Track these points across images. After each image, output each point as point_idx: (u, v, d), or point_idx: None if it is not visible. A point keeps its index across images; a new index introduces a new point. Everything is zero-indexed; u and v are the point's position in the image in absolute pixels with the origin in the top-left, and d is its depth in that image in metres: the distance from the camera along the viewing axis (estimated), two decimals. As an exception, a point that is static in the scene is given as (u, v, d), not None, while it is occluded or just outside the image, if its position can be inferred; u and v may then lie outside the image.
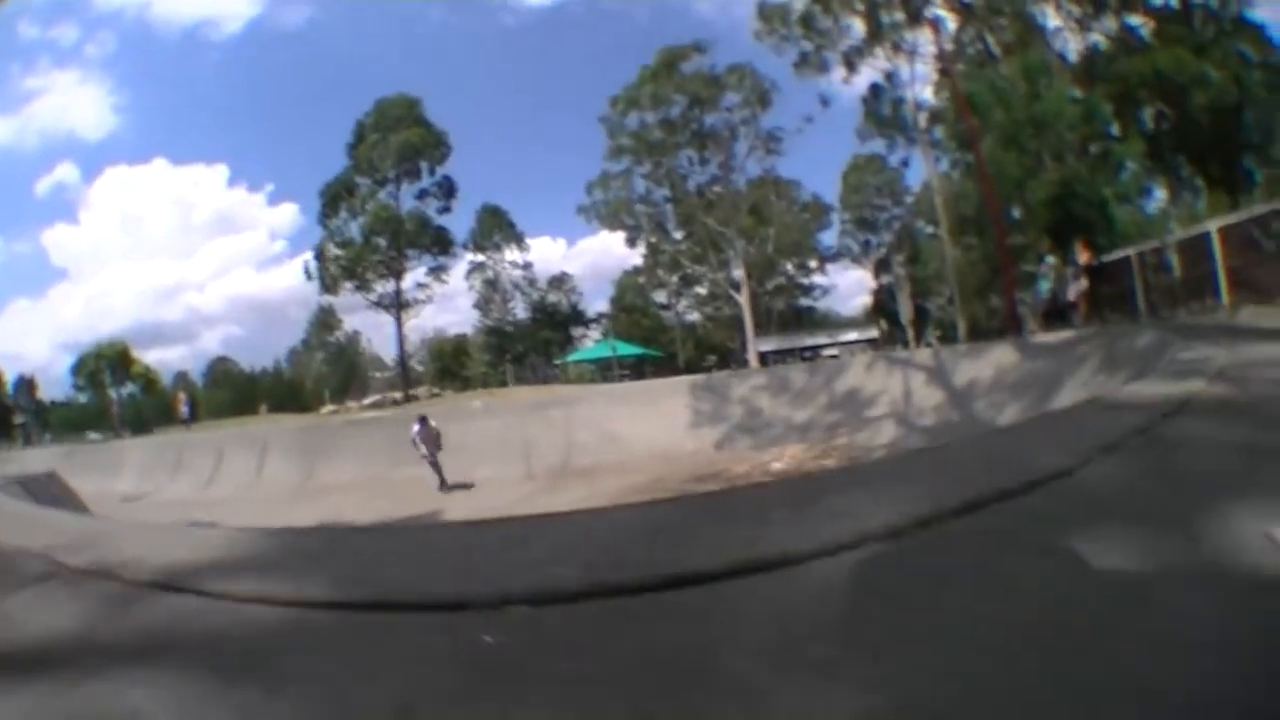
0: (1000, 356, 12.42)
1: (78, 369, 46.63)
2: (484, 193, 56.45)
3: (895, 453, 7.59)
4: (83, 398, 44.61)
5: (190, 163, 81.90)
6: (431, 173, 39.32)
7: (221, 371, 58.73)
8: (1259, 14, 24.35)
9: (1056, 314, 15.84)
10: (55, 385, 51.04)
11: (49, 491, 7.19)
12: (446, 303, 49.00)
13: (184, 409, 28.99)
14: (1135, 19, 25.78)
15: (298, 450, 17.55)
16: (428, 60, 60.73)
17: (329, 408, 31.89)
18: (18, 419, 34.61)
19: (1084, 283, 15.36)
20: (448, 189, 39.85)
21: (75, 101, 59.94)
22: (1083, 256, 15.79)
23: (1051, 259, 16.84)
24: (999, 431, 6.99)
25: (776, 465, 11.80)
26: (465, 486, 13.94)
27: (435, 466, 14.19)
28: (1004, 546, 2.32)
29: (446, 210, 40.13)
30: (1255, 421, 3.57)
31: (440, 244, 39.97)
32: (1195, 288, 13.87)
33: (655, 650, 1.82)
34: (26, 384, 50.33)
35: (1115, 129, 22.37)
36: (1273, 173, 25.04)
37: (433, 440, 14.32)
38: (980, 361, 12.63)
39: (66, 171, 67.14)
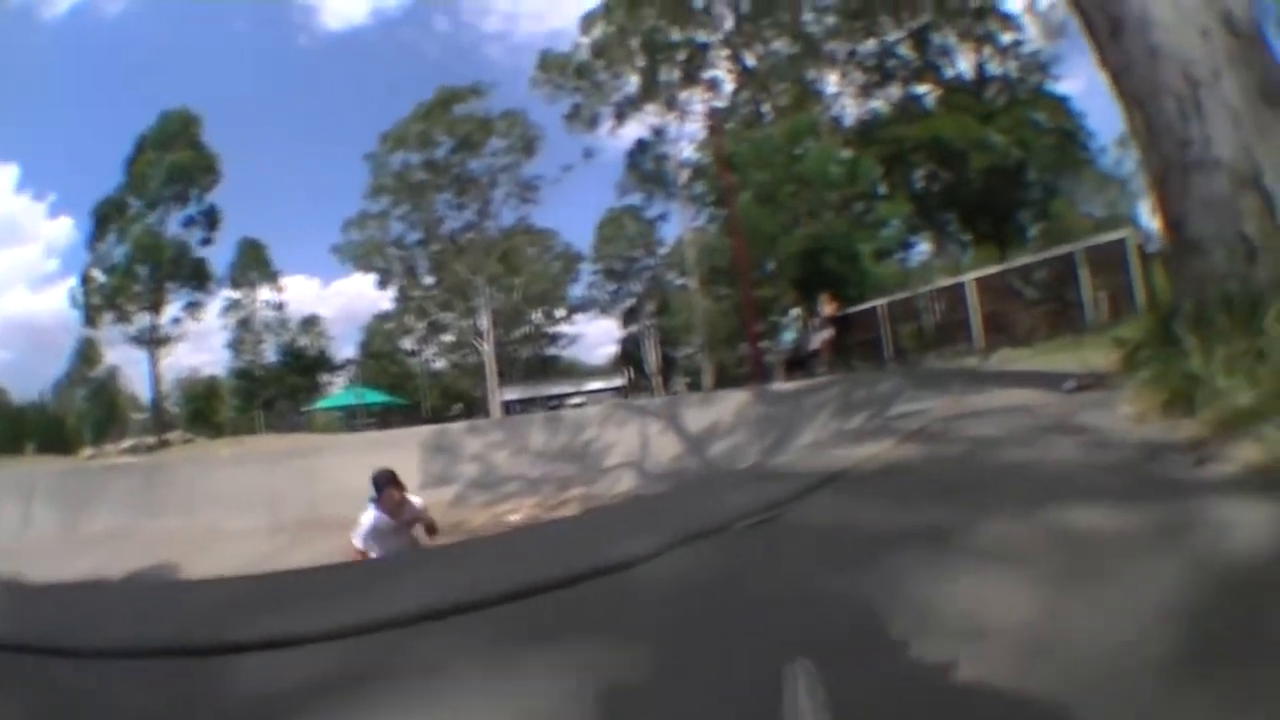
0: (737, 403, 12.84)
1: None
2: (250, 224, 52.65)
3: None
4: None
5: None
6: (199, 199, 35.55)
7: None
8: (1066, 87, 28.88)
9: (798, 363, 16.83)
10: None
11: None
12: (200, 339, 44.77)
13: None
14: (922, 87, 27.98)
15: (61, 497, 15.65)
16: (222, 72, 56.72)
17: (88, 451, 28.71)
18: None
19: (828, 332, 16.39)
20: (211, 219, 36.08)
21: None
22: (828, 308, 16.78)
23: (797, 310, 17.86)
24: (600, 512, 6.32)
25: (513, 518, 11.64)
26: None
27: None
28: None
29: (208, 242, 36.38)
30: (908, 497, 3.07)
31: (198, 277, 36.05)
32: (950, 334, 15.33)
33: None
34: None
35: (884, 188, 24.45)
36: (1049, 226, 28.76)
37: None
38: (717, 408, 13.03)
39: None
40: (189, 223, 35.68)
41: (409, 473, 13.65)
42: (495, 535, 5.88)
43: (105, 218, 34.27)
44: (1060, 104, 28.14)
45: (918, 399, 6.84)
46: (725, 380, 30.77)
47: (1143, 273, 12.03)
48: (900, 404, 7.28)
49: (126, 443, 31.32)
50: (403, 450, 15.23)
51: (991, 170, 25.72)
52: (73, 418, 46.65)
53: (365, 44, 58.31)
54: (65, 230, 59.47)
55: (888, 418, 6.36)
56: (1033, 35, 28.10)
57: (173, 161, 34.13)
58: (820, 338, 16.53)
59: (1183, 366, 3.03)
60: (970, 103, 26.94)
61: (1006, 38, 28.74)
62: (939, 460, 3.86)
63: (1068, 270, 13.90)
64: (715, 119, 29.42)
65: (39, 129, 55.07)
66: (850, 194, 22.07)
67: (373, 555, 6.39)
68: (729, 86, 31.49)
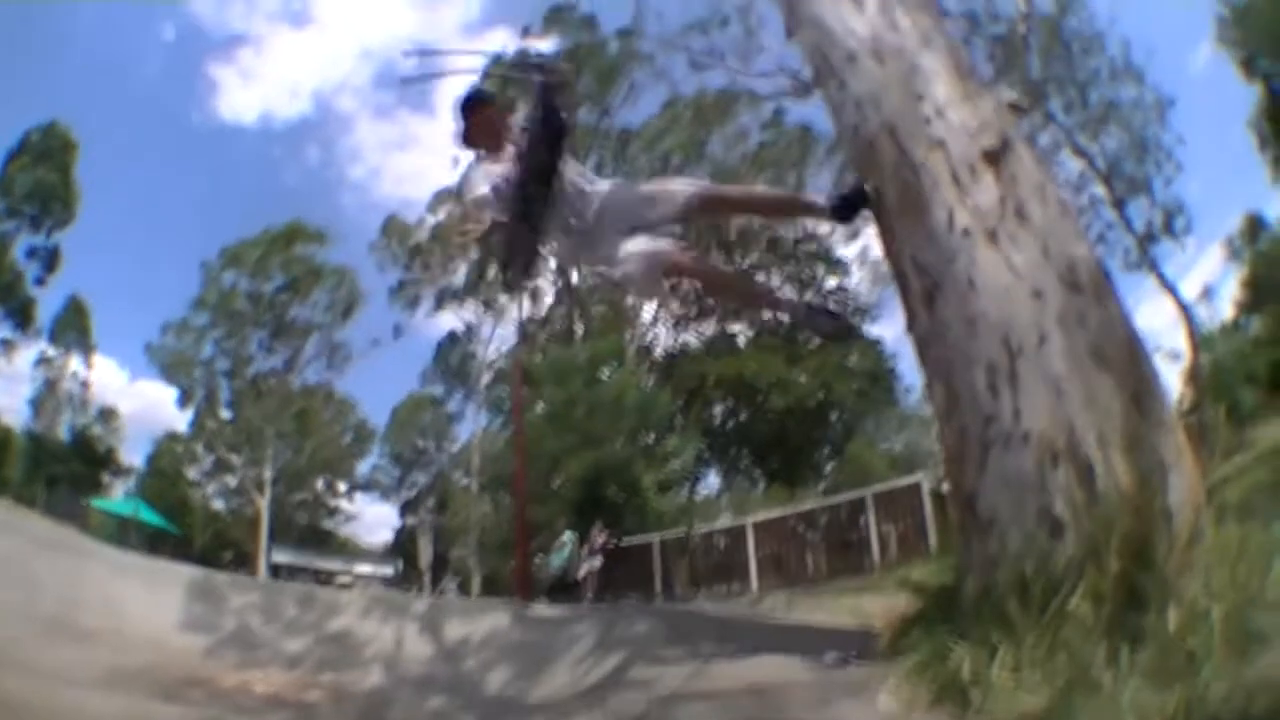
0: (496, 621, 13.02)
1: None
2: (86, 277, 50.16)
3: None
4: None
5: None
6: (49, 232, 32.78)
7: None
8: (882, 328, 29.40)
9: (563, 587, 17.26)
10: None
11: None
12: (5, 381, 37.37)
13: None
14: (737, 326, 29.11)
15: None
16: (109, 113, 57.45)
17: None
18: None
19: (597, 560, 16.89)
20: (51, 258, 33.28)
21: None
22: (600, 537, 17.32)
23: (566, 534, 18.45)
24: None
25: (260, 689, 10.67)
26: None
27: None
28: None
29: (42, 282, 33.41)
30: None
31: (22, 317, 32.93)
32: (727, 573, 15.98)
33: None
34: None
35: (680, 421, 25.05)
36: (844, 464, 30.24)
37: None
38: (476, 622, 13.06)
39: None
40: (31, 253, 32.70)
41: (170, 609, 12.16)
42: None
43: None
44: (873, 346, 28.79)
45: (660, 659, 5.97)
46: (494, 588, 30.17)
47: (936, 515, 12.40)
48: (640, 664, 7.44)
49: None
50: (167, 585, 13.47)
51: (791, 410, 26.24)
52: None
53: (249, 141, 61.37)
54: None
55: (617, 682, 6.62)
56: (859, 280, 29.67)
57: (39, 179, 31.72)
58: (588, 565, 16.91)
59: (958, 655, 2.58)
60: (779, 344, 27.23)
61: (832, 281, 29.92)
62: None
63: (857, 513, 14.40)
64: (529, 328, 29.99)
65: None
66: (643, 423, 22.41)
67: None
68: (549, 299, 32.07)
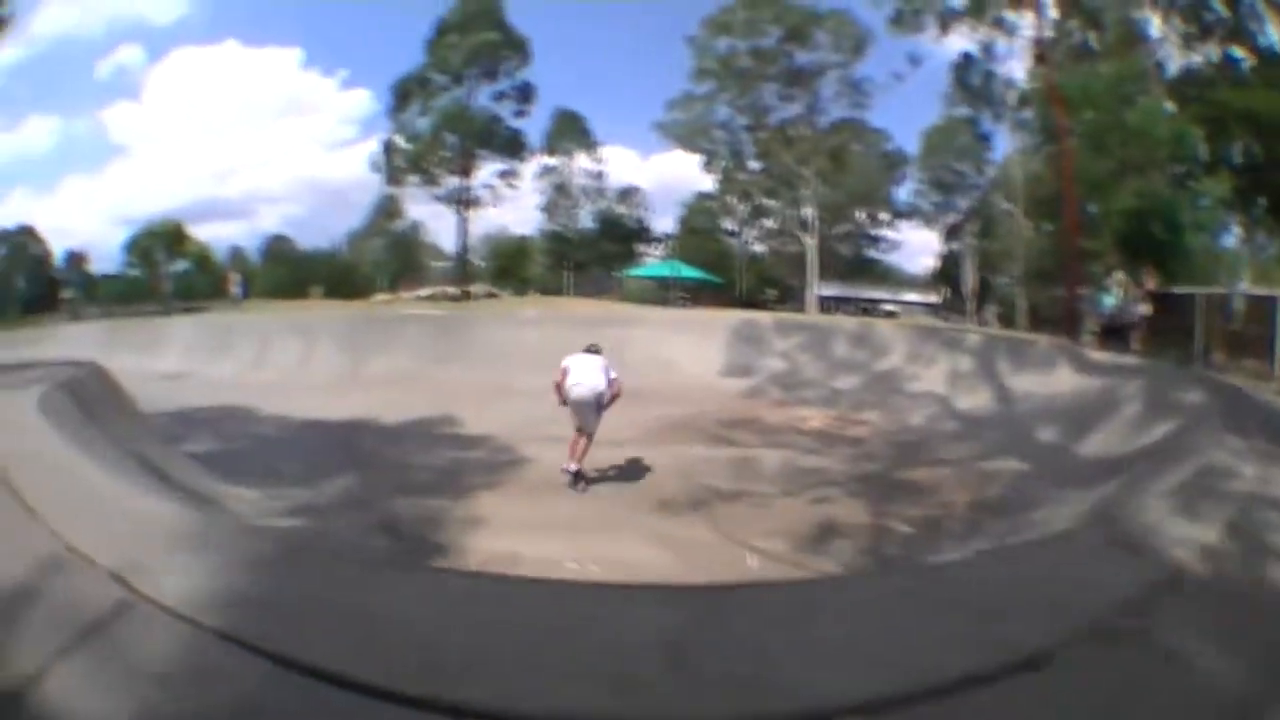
0: (1054, 365, 12.06)
1: (131, 245, 47.39)
2: (560, 96, 56.54)
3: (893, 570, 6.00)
4: (134, 273, 45.25)
5: (263, 45, 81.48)
6: (510, 76, 38.57)
7: (278, 249, 57.19)
8: None
9: (1114, 331, 15.72)
10: (107, 260, 52.32)
11: (92, 394, 6.26)
12: (511, 202, 48.07)
13: (235, 289, 29.44)
14: (1239, 51, 24.69)
15: (347, 339, 17.76)
16: None
17: (382, 296, 31.58)
18: (65, 292, 36.32)
19: (1147, 307, 15.05)
20: (525, 94, 39.11)
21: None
22: (1149, 281, 15.43)
23: (1119, 274, 16.68)
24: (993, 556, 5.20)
25: (812, 424, 11.98)
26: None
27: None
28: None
29: (522, 114, 39.45)
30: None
31: (513, 148, 39.44)
32: (1253, 346, 13.66)
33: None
34: (76, 257, 52.30)
35: (1202, 156, 21.80)
36: None
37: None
38: (1033, 363, 12.24)
39: (130, 53, 69.43)
40: (499, 97, 38.50)
41: (712, 357, 14.75)
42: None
43: (407, 92, 37.81)
44: None
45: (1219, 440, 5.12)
46: (1038, 321, 28.42)
47: None
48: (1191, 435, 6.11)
49: (424, 290, 33.44)
50: (709, 334, 16.02)
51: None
52: (367, 265, 53.16)
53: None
54: (360, 101, 69.65)
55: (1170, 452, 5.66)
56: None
57: (480, 40, 36.55)
58: (1140, 310, 15.15)
59: None
60: None
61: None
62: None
63: None
64: (1042, 46, 26.91)
65: (321, 20, 62.81)
66: (1172, 155, 19.46)
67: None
68: (1053, 13, 28.35)
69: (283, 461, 8.83)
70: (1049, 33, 26.83)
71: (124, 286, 40.06)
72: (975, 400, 12.06)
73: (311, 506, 6.95)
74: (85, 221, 71.30)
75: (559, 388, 8.11)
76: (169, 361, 17.95)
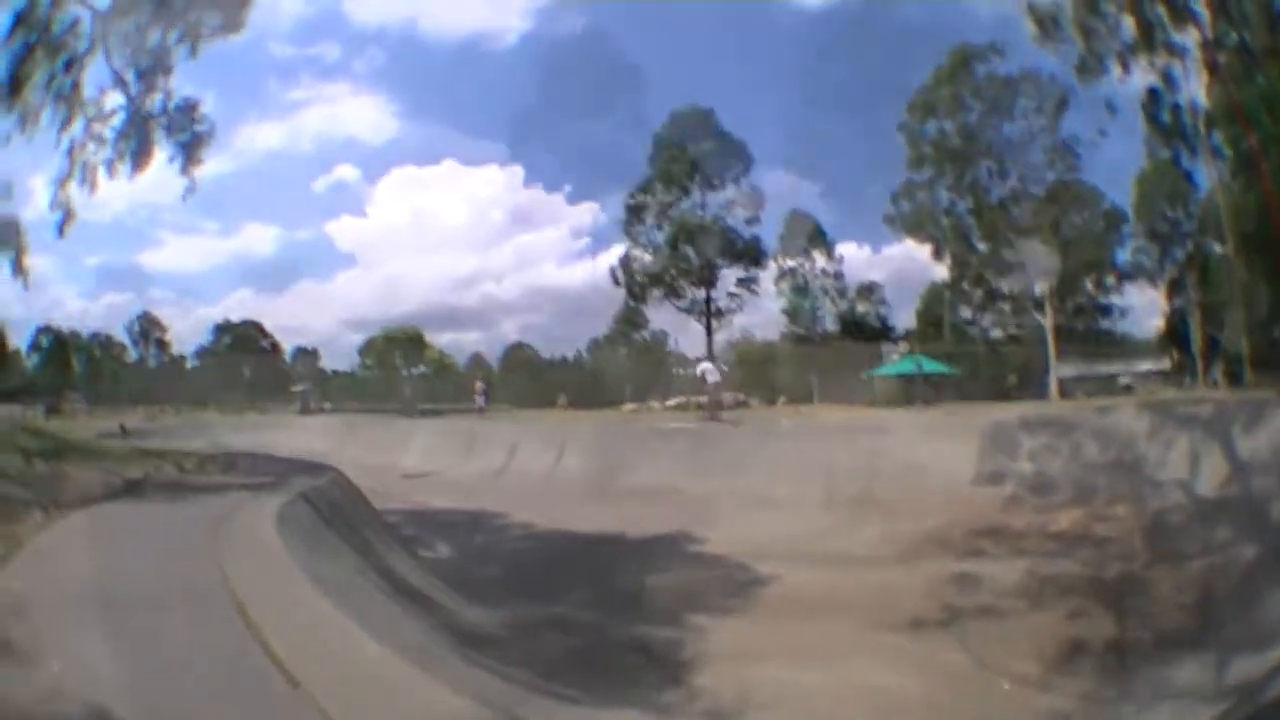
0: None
1: (365, 349, 50.10)
2: (783, 201, 56.50)
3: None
4: (368, 374, 47.79)
5: (481, 164, 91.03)
6: (736, 183, 40.64)
7: (518, 357, 57.50)
8: None
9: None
10: (339, 359, 56.02)
11: (335, 500, 6.46)
12: (753, 308, 46.90)
13: (479, 396, 30.09)
14: None
15: (596, 450, 17.32)
16: (705, 63, 61.11)
17: (631, 405, 31.99)
18: (296, 386, 37.24)
19: None
20: (755, 200, 41.08)
21: (348, 110, 66.53)
22: None
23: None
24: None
25: (1055, 528, 11.24)
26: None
27: (712, 402, 20.02)
28: None
29: (755, 220, 41.34)
30: None
31: (750, 255, 41.24)
32: None
33: None
34: (307, 354, 54.16)
35: None
36: None
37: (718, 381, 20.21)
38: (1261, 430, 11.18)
39: (347, 172, 76.42)
40: (729, 206, 40.67)
41: (966, 462, 13.89)
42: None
43: (638, 206, 40.73)
44: None
45: None
46: (1262, 366, 25.96)
47: None
48: None
49: (672, 401, 33.07)
50: (961, 439, 15.05)
51: None
52: (611, 373, 52.26)
53: (844, 14, 55.72)
54: (588, 213, 70.96)
55: None
56: None
57: (701, 149, 39.03)
58: None
59: None
60: None
61: None
62: None
63: None
64: (1210, 53, 24.18)
65: (532, 140, 63.52)
66: None
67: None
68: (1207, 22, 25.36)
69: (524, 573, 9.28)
70: (1211, 38, 24.12)
71: (356, 384, 43.05)
72: (1221, 477, 10.82)
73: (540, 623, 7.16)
74: (316, 322, 76.00)
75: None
76: (411, 460, 18.69)
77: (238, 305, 65.59)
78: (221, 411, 33.07)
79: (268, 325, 53.49)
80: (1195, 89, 28.35)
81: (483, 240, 73.02)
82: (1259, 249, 24.30)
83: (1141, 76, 29.74)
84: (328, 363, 53.85)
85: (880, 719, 5.28)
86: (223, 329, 52.82)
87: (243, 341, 52.11)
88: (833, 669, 5.90)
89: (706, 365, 21.08)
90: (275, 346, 53.74)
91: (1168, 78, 28.88)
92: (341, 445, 19.43)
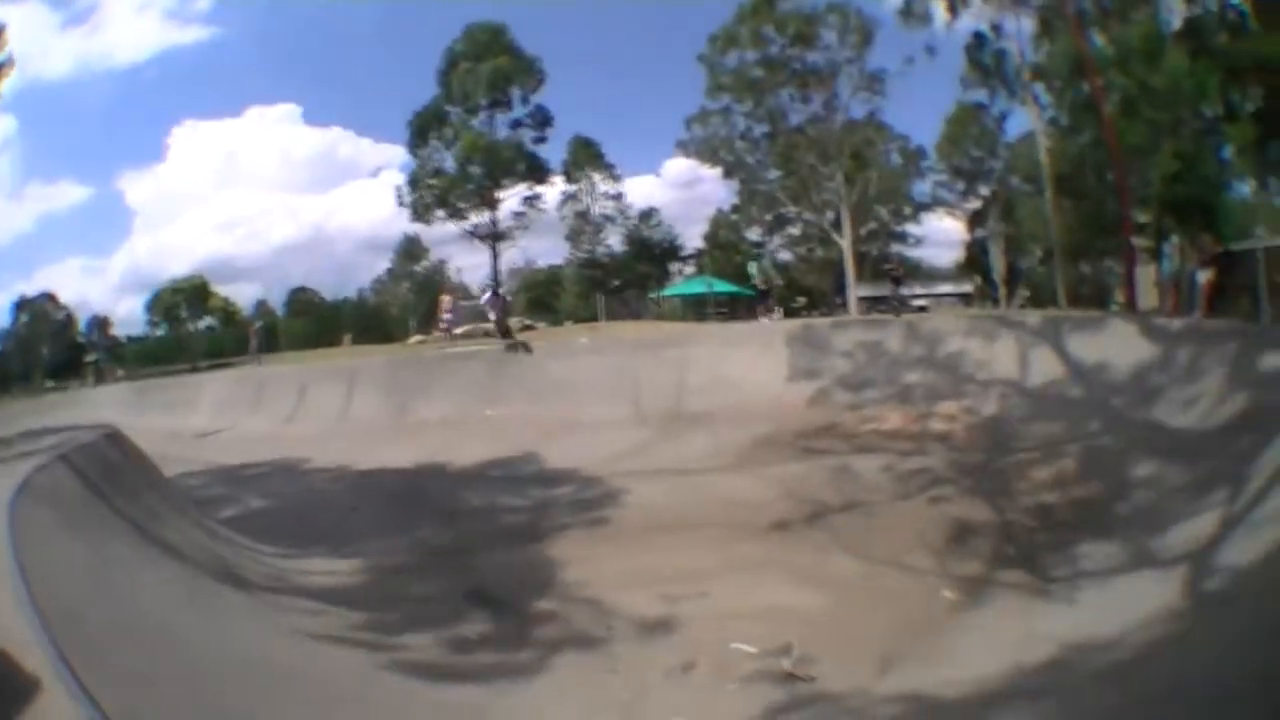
0: (1121, 332, 11.21)
1: (152, 304, 48.58)
2: (574, 126, 57.30)
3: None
4: (158, 333, 46.13)
5: (273, 103, 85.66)
6: (524, 102, 39.48)
7: (302, 301, 57.80)
8: None
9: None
10: (133, 324, 53.33)
11: (108, 462, 5.48)
12: (534, 236, 48.18)
13: (253, 340, 28.22)
14: None
15: (388, 384, 16.80)
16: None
17: (416, 338, 30.47)
18: (89, 357, 35.87)
19: (1210, 271, 14.33)
20: (542, 118, 39.95)
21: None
22: (1213, 245, 14.89)
23: (1175, 239, 16.30)
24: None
25: (887, 425, 11.53)
26: (526, 348, 17.10)
27: (500, 327, 19.14)
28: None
29: (541, 140, 40.36)
30: None
31: (535, 173, 40.11)
32: None
33: None
34: (99, 321, 54.49)
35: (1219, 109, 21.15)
36: None
37: (501, 307, 19.37)
38: (1102, 336, 11.36)
39: (143, 118, 70.56)
40: (516, 125, 39.58)
41: (776, 365, 14.29)
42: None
43: (425, 126, 38.76)
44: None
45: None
46: (1076, 300, 28.52)
47: None
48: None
49: (459, 329, 33.98)
50: (767, 344, 15.19)
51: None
52: (396, 308, 53.58)
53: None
54: (380, 150, 73.04)
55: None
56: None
57: (492, 67, 37.40)
58: (1204, 275, 14.52)
59: None
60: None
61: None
62: None
63: None
64: (1056, 13, 26.46)
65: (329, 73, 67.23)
66: (1196, 109, 19.65)
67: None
68: None
69: (347, 517, 8.49)
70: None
71: (151, 347, 40.27)
72: (1049, 379, 11.40)
73: (389, 568, 6.58)
74: (97, 287, 74.85)
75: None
76: (202, 418, 17.58)
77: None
78: (26, 396, 31.99)
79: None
80: (1024, 41, 30.71)
81: (270, 182, 68.71)
82: (1071, 193, 27.22)
83: (970, 22, 31.49)
84: (120, 329, 53.00)
85: (795, 622, 5.05)
86: (21, 305, 50.93)
87: (41, 317, 50.85)
88: (719, 590, 5.75)
89: (488, 293, 19.95)
90: (70, 318, 52.96)
91: (996, 27, 31.28)
92: (135, 413, 17.84)
